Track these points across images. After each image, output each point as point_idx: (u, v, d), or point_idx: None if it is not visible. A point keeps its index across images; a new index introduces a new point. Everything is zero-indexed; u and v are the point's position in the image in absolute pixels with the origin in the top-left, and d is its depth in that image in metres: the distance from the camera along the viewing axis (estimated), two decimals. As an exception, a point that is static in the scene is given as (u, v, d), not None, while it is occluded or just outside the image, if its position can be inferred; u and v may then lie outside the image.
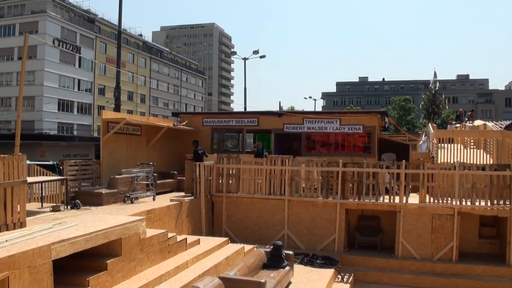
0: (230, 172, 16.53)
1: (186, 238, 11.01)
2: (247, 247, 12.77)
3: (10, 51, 60.42)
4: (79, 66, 65.31)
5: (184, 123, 20.74)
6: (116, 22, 61.91)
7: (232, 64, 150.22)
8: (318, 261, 13.46)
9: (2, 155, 8.30)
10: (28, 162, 12.23)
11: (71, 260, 7.55)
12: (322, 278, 11.82)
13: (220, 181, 16.54)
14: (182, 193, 16.05)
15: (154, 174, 15.21)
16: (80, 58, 64.41)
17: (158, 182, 15.85)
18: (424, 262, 14.16)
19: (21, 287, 6.21)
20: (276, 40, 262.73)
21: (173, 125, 19.61)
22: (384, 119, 20.55)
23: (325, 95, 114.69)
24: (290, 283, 11.05)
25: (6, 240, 6.92)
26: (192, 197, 14.95)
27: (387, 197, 15.01)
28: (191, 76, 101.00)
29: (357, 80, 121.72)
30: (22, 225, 8.57)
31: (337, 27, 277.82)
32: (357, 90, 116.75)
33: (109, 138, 15.71)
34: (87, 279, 7.41)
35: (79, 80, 65.11)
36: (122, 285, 8.10)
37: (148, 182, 14.57)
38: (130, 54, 75.95)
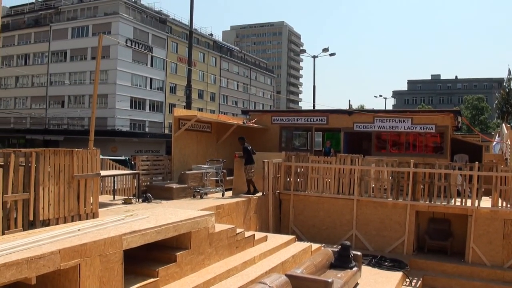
0: (298, 171, 16.50)
1: (254, 235, 11.09)
2: (314, 246, 12.72)
3: (83, 51, 63.03)
4: (151, 65, 67.08)
5: (253, 121, 20.86)
6: (187, 22, 63.14)
7: (301, 63, 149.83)
8: (386, 263, 13.19)
9: (76, 149, 8.63)
10: (101, 156, 12.65)
11: (141, 251, 7.79)
12: (389, 281, 11.57)
13: (288, 179, 16.54)
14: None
15: (224, 171, 15.39)
16: (152, 57, 66.14)
17: (227, 178, 16.03)
18: (494, 270, 13.52)
19: (92, 275, 6.44)
20: (346, 37, 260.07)
21: (243, 122, 19.76)
22: (457, 119, 19.85)
23: (396, 94, 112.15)
24: (357, 284, 10.90)
25: (79, 229, 7.21)
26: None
27: (458, 200, 14.49)
28: (260, 75, 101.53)
29: (429, 78, 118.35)
30: (94, 215, 8.88)
31: (408, 24, 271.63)
32: (429, 89, 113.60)
33: (181, 135, 16.02)
34: (157, 269, 7.62)
35: (151, 79, 66.87)
36: (191, 278, 8.26)
37: (217, 178, 14.80)
38: (200, 53, 77.22)
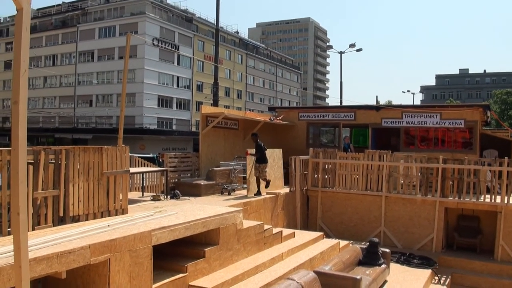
0: (326, 167, 16.41)
1: (281, 231, 11.08)
2: (342, 242, 12.67)
3: (111, 51, 63.74)
4: (178, 64, 67.45)
5: (280, 117, 20.82)
6: (212, 20, 63.53)
7: (327, 59, 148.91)
8: (415, 260, 13.05)
9: (106, 147, 8.73)
10: (130, 154, 12.78)
11: (170, 247, 7.84)
12: (418, 279, 11.44)
13: (316, 175, 16.48)
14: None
15: (251, 167, 15.40)
16: (178, 56, 66.54)
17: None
18: (523, 268, 13.28)
19: (122, 270, 6.51)
20: (372, 33, 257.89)
21: (270, 119, 19.73)
22: (486, 113, 19.46)
23: (423, 89, 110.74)
24: (385, 281, 10.81)
25: (108, 225, 7.29)
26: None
27: (488, 196, 14.25)
28: (286, 71, 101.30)
29: (457, 72, 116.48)
30: (123, 211, 8.97)
31: (436, 17, 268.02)
32: (457, 83, 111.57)
33: (208, 132, 16.08)
34: (186, 265, 7.67)
35: (178, 77, 67.24)
36: (219, 273, 8.29)
37: (245, 175, 14.80)
38: (227, 51, 77.38)
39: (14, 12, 3.73)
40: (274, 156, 15.49)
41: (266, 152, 14.15)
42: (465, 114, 18.30)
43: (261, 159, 13.83)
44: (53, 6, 75.36)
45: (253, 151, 13.88)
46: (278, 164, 15.89)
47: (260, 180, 13.88)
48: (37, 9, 75.89)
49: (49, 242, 6.02)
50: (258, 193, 13.83)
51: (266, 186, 14.01)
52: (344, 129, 21.60)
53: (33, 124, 62.76)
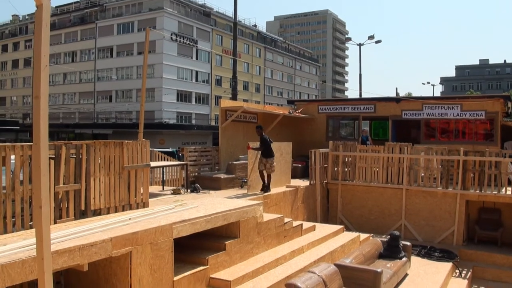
0: (346, 160, 16.34)
1: (301, 224, 11.08)
2: (363, 235, 12.65)
3: (129, 47, 64.09)
4: (196, 58, 67.58)
5: (299, 110, 20.77)
6: (230, 14, 63.64)
7: (346, 51, 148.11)
8: (436, 254, 12.98)
9: (126, 141, 8.79)
10: (150, 148, 12.84)
11: (190, 240, 7.88)
12: (439, 272, 11.35)
13: (336, 168, 16.42)
14: (297, 180, 16.14)
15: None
16: (197, 50, 66.65)
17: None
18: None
19: (143, 262, 6.58)
20: (391, 24, 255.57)
21: (289, 112, 19.70)
22: (507, 104, 19.19)
23: (443, 80, 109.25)
24: (406, 275, 10.75)
25: (130, 218, 7.36)
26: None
27: (509, 188, 14.06)
28: (304, 64, 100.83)
29: (477, 63, 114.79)
30: (144, 205, 9.04)
31: (455, 8, 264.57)
32: (477, 74, 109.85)
33: (227, 126, 16.10)
34: (206, 258, 7.72)
35: (196, 72, 67.39)
36: (239, 266, 8.32)
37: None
38: (245, 45, 77.31)
39: (33, 10, 3.77)
40: (282, 150, 14.41)
41: (272, 145, 13.17)
42: (485, 105, 18.07)
43: (267, 153, 12.83)
44: (71, 4, 75.96)
45: (256, 144, 13.07)
46: (286, 159, 14.82)
47: (266, 174, 12.95)
48: (56, 7, 76.57)
49: (71, 235, 6.08)
50: (266, 188, 12.91)
51: (268, 183, 13.05)
52: (363, 122, 21.47)
53: (53, 120, 63.54)
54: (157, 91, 61.20)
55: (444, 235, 14.62)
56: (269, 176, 12.97)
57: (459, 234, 14.45)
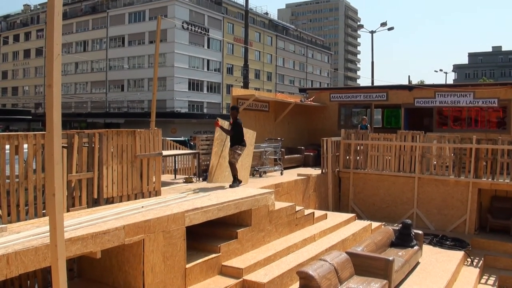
0: (358, 148, 16.29)
1: (313, 212, 11.08)
2: (375, 224, 12.63)
3: (141, 36, 64.18)
4: (208, 47, 67.53)
5: (311, 99, 20.69)
6: (242, 2, 63.39)
7: (358, 39, 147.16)
8: (447, 242, 12.93)
9: (138, 130, 8.82)
10: (162, 137, 12.87)
11: (203, 228, 7.93)
12: (451, 260, 11.31)
13: (347, 157, 16.38)
14: (309, 168, 16.13)
15: (282, 149, 15.42)
16: (208, 39, 66.54)
17: (285, 157, 16.04)
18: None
19: (156, 250, 6.64)
20: (404, 11, 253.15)
21: (300, 101, 19.64)
22: (520, 92, 19.01)
23: (456, 68, 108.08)
24: (418, 263, 10.75)
25: (142, 207, 7.42)
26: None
27: (522, 177, 13.95)
28: (316, 52, 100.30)
29: (490, 50, 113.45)
30: (157, 193, 9.08)
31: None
32: (490, 61, 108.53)
33: (239, 114, 16.07)
34: (219, 245, 7.78)
35: (208, 61, 67.37)
36: (251, 254, 8.36)
37: (276, 157, 14.85)
38: (256, 33, 77.05)
39: (44, 0, 3.78)
40: (246, 138, 11.44)
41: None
42: (498, 93, 17.91)
43: (237, 139, 10.96)
44: (82, -7, 76.08)
45: (225, 123, 11.39)
46: (248, 151, 11.84)
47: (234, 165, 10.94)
48: (67, -4, 76.73)
49: (84, 223, 6.14)
50: (236, 181, 10.84)
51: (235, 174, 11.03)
52: (376, 110, 21.37)
53: (66, 109, 63.81)
54: (168, 80, 61.27)
55: (456, 224, 14.56)
56: (232, 165, 10.89)
57: (471, 222, 14.38)
